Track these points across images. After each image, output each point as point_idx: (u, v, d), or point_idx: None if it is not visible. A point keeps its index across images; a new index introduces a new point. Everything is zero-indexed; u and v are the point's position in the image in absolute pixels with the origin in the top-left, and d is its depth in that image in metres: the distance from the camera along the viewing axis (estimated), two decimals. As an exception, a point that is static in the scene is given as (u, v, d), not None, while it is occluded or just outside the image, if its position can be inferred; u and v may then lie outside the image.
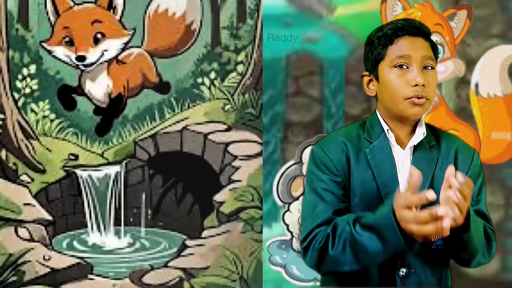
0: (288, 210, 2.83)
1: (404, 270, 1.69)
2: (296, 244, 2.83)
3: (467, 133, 2.79)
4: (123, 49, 2.83)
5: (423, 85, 1.66)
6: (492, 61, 2.82)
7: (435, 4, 2.80)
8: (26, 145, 2.81)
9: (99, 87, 2.84)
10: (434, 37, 1.78)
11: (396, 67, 1.69)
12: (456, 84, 2.84)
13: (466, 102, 2.84)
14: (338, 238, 1.61)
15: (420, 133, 1.72)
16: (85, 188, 2.85)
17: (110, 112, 2.85)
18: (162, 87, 2.84)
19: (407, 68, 1.68)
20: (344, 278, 1.73)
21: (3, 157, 2.78)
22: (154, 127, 2.85)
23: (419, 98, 1.66)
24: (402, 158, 1.71)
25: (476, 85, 2.83)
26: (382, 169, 1.70)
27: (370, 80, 1.76)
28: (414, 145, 1.72)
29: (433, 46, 1.73)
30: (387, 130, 1.72)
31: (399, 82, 1.68)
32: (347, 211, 1.69)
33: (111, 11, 2.82)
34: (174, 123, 2.84)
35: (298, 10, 2.82)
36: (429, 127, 1.78)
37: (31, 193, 2.80)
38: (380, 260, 1.60)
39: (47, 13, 2.79)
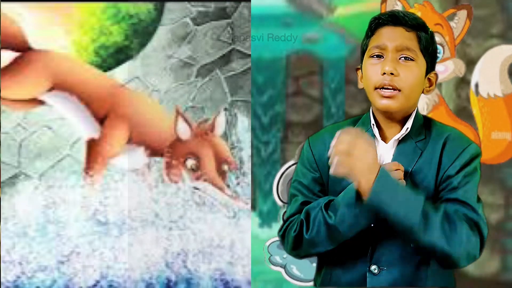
0: (288, 210, 2.83)
1: (375, 267, 1.66)
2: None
3: (467, 133, 2.77)
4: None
5: (392, 73, 1.60)
6: (492, 61, 2.82)
7: (435, 4, 2.80)
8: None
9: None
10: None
11: (373, 57, 1.66)
12: (456, 84, 2.84)
13: (466, 102, 2.84)
14: (312, 222, 1.65)
15: (404, 128, 1.67)
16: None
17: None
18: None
19: (383, 58, 1.64)
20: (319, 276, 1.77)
21: None
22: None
23: (387, 89, 1.62)
24: (385, 152, 1.69)
25: (476, 85, 2.82)
26: None
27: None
28: (400, 140, 1.68)
29: (420, 37, 1.65)
30: (373, 124, 1.70)
31: (371, 71, 1.65)
32: None
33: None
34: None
35: (298, 10, 2.82)
36: (426, 120, 1.74)
37: None
38: (353, 233, 1.61)
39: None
